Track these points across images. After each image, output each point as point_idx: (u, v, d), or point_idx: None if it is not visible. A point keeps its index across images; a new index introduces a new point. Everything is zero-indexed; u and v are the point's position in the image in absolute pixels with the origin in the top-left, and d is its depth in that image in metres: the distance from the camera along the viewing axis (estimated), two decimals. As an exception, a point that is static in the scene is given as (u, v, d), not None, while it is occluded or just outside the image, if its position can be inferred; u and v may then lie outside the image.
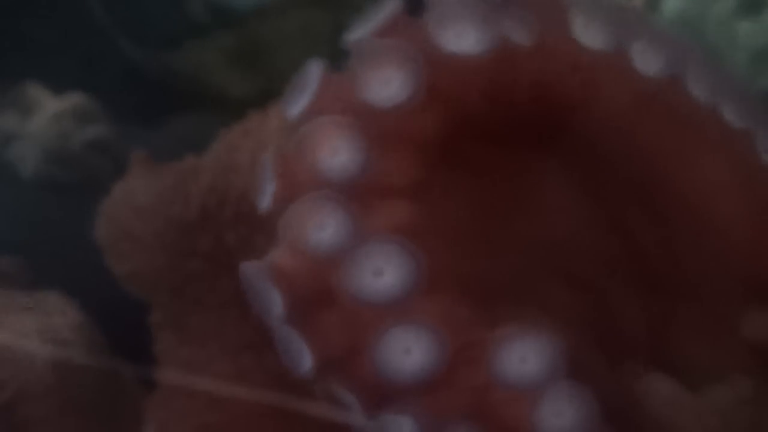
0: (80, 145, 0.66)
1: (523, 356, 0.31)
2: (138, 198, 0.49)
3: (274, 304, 0.33)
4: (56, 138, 0.65)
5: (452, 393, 0.32)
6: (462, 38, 0.34)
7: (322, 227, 0.32)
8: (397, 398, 0.32)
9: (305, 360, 0.33)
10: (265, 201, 0.34)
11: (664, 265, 0.40)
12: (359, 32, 0.35)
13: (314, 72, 0.35)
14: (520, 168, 0.38)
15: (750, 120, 0.37)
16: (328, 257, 0.32)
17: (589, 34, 0.35)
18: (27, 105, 0.66)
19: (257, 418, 0.47)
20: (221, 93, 0.64)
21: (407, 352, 0.31)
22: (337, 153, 0.33)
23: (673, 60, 0.37)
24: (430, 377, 0.32)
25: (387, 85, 0.33)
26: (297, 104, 0.35)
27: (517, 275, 0.37)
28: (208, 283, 0.48)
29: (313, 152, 0.33)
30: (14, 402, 0.45)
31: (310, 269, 0.32)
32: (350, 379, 0.32)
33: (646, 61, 0.36)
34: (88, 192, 0.64)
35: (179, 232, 0.48)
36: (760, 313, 0.38)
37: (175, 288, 0.49)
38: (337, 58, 0.35)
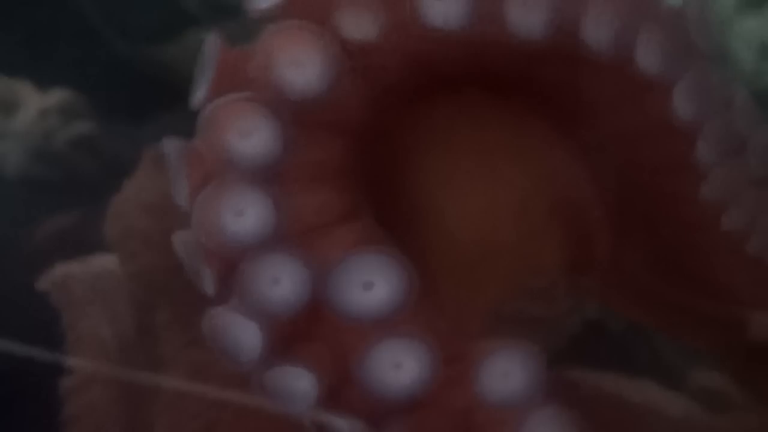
0: (66, 143, 0.65)
1: (506, 371, 0.32)
2: (147, 195, 0.48)
3: (255, 341, 0.32)
4: (41, 135, 0.65)
5: (439, 413, 0.32)
6: (303, 71, 0.33)
7: (276, 282, 0.32)
8: (388, 417, 0.32)
9: (308, 393, 0.32)
10: (209, 287, 0.34)
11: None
12: (200, 91, 0.34)
13: (174, 150, 0.35)
14: (444, 161, 0.37)
15: (668, 61, 0.36)
16: (293, 304, 0.32)
17: (439, 8, 0.34)
18: (11, 101, 0.65)
19: (264, 418, 0.46)
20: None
21: (398, 366, 0.31)
22: (245, 213, 0.32)
23: (559, 11, 0.34)
24: (420, 393, 0.31)
25: (253, 140, 0.33)
26: (181, 187, 0.34)
27: (479, 272, 0.37)
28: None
29: (221, 220, 0.33)
30: (78, 389, 0.45)
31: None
32: (344, 401, 0.32)
33: (525, 21, 0.34)
34: (73, 190, 0.63)
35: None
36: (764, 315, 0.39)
37: (182, 287, 0.49)
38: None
